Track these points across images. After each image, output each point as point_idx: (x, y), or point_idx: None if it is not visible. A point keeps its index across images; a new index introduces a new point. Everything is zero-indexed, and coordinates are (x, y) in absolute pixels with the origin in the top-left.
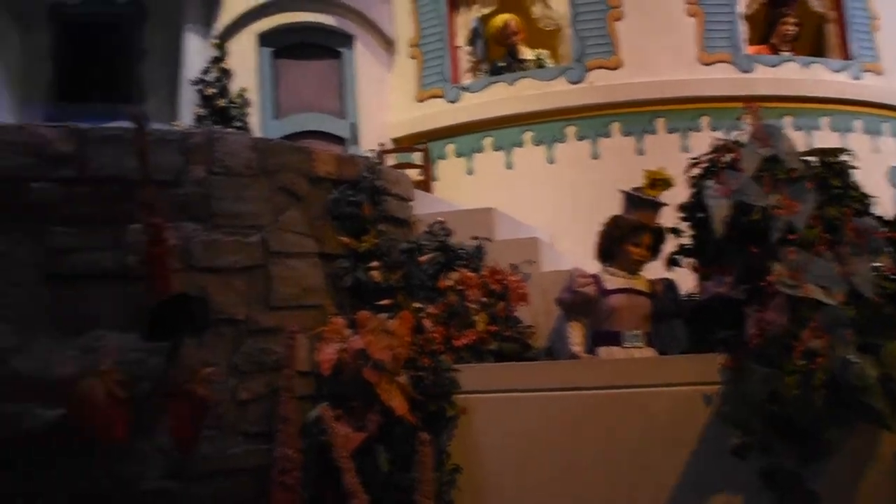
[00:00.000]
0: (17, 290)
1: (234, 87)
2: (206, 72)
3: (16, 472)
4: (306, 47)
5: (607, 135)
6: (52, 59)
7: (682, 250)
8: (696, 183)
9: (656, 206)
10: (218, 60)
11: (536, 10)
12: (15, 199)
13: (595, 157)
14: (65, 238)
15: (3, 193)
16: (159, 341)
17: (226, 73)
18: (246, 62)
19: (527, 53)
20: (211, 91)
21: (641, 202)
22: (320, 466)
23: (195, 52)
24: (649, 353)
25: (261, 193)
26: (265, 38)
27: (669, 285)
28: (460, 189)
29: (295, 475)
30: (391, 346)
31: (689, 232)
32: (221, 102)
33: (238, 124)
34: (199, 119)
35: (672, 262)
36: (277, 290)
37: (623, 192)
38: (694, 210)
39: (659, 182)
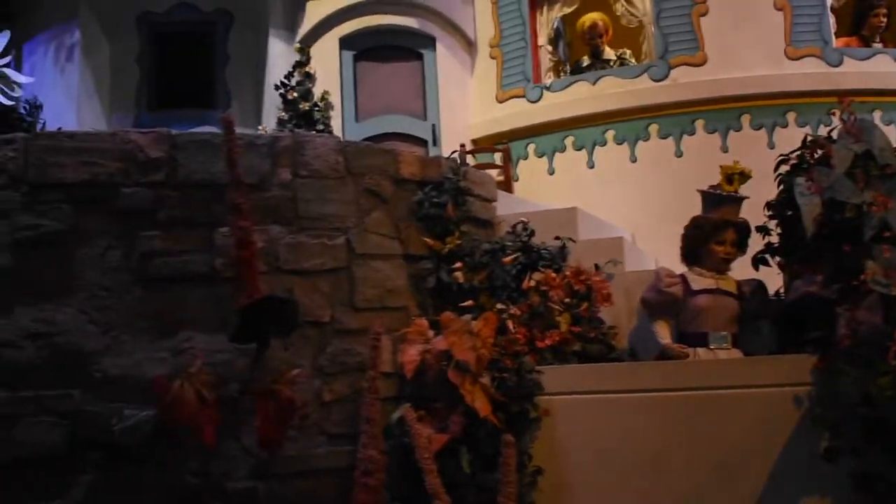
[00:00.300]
0: (109, 293)
1: (317, 90)
2: (289, 76)
3: (109, 470)
4: (387, 49)
5: (691, 132)
6: (140, 66)
7: (770, 249)
8: (786, 180)
9: (736, 200)
10: (301, 64)
11: (619, 8)
12: (108, 204)
13: (679, 155)
14: (155, 242)
15: (96, 198)
16: (247, 343)
17: (309, 77)
18: (328, 65)
19: (610, 53)
20: (294, 95)
21: (720, 199)
22: (403, 468)
23: (279, 57)
24: (736, 354)
25: (346, 195)
26: (347, 42)
27: (758, 286)
28: (542, 189)
29: (378, 476)
30: (474, 348)
31: (778, 230)
32: (305, 106)
33: (321, 127)
34: (282, 123)
35: (760, 262)
36: (361, 292)
37: (700, 191)
38: (783, 208)
39: (735, 176)
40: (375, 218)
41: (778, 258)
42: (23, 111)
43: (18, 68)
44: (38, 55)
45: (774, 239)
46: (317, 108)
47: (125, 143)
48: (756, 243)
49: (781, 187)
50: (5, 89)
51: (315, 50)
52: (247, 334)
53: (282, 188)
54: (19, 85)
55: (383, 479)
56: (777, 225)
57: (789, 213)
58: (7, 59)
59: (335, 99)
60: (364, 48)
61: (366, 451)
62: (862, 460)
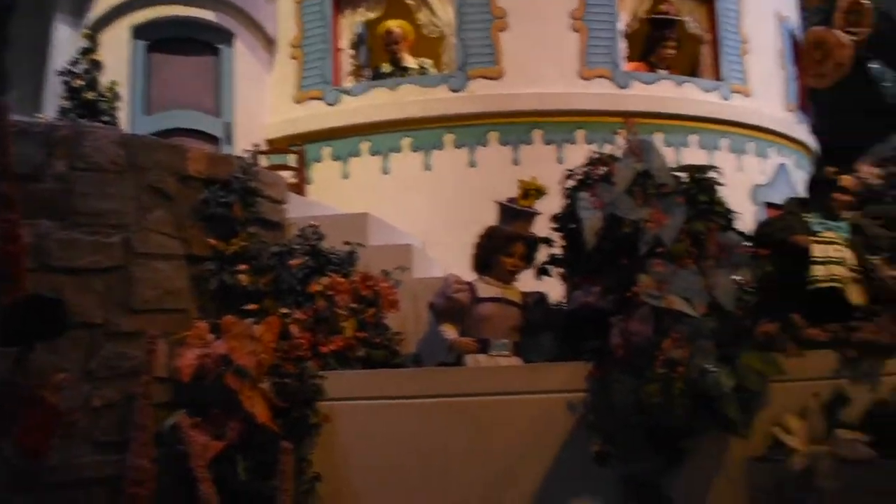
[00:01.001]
0: None
1: (105, 80)
2: (74, 63)
3: None
4: (183, 42)
5: (485, 144)
6: None
7: (554, 260)
8: (570, 194)
9: (529, 216)
10: (88, 52)
11: (422, 17)
12: None
13: (472, 165)
14: None
15: None
16: (9, 346)
17: (96, 66)
18: (118, 55)
19: (410, 61)
20: (79, 83)
21: (515, 213)
22: (177, 477)
23: (65, 43)
24: (515, 362)
25: (126, 191)
26: (139, 31)
27: (541, 298)
28: (335, 193)
29: (148, 486)
30: (255, 352)
31: (561, 242)
32: (90, 95)
33: (106, 119)
34: (65, 112)
35: (542, 272)
36: (139, 293)
37: (498, 202)
38: (566, 221)
39: (532, 192)
40: (157, 216)
41: (560, 269)
42: None
43: None
44: None
45: (558, 250)
46: (103, 99)
47: None
48: (541, 254)
49: (566, 201)
50: None
51: (104, 37)
52: (9, 336)
53: (56, 180)
54: None
55: (154, 489)
56: (561, 237)
57: (572, 226)
58: None
59: (125, 90)
60: (157, 39)
61: (135, 459)
62: (631, 465)
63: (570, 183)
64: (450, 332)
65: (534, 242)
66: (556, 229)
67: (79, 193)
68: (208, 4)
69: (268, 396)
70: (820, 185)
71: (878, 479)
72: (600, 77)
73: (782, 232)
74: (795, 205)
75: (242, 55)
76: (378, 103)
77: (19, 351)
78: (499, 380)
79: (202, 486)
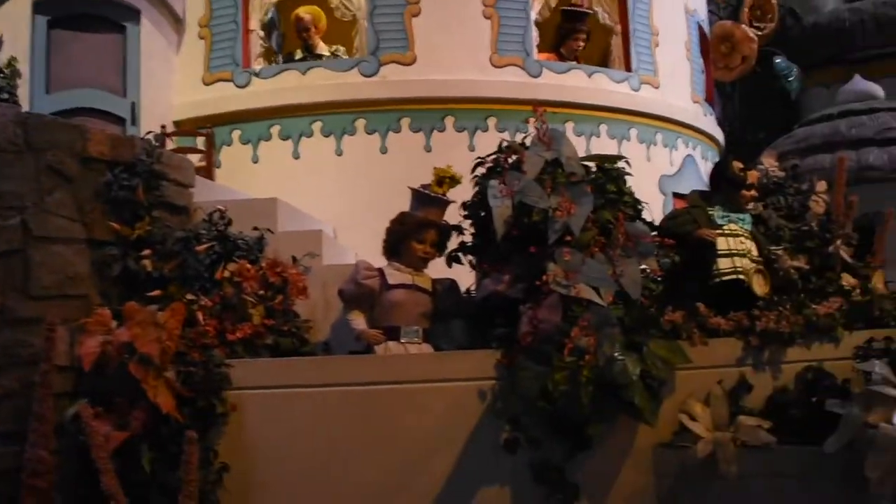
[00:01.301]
0: None
1: (3, 56)
2: None
3: None
4: (87, 19)
5: (397, 130)
6: None
7: (464, 248)
8: (481, 182)
9: (443, 203)
10: None
11: (334, 1)
12: None
13: (384, 151)
14: None
15: None
16: None
17: None
18: (17, 30)
19: (323, 48)
20: None
21: (428, 199)
22: (79, 468)
23: None
24: (426, 349)
25: (24, 172)
26: (40, 6)
27: (451, 285)
28: (245, 177)
29: (48, 478)
30: (160, 340)
31: (472, 230)
32: None
33: (5, 97)
34: None
35: (453, 260)
36: (38, 278)
37: (411, 189)
38: (477, 209)
39: (446, 179)
40: (57, 198)
41: (471, 257)
42: None
43: None
44: None
45: (469, 238)
46: (1, 76)
47: None
48: (452, 241)
49: (477, 189)
50: None
51: (3, 12)
52: None
53: None
54: None
55: (53, 481)
56: (471, 224)
57: (483, 213)
58: None
59: (25, 67)
60: (60, 15)
61: (34, 450)
62: (539, 451)
63: (481, 171)
64: (358, 321)
65: (446, 230)
66: (466, 217)
67: None
68: None
69: (173, 385)
70: (725, 179)
71: (778, 464)
72: (512, 65)
73: (687, 225)
74: (699, 197)
75: (149, 34)
76: (288, 87)
77: None
78: (408, 368)
79: (105, 479)
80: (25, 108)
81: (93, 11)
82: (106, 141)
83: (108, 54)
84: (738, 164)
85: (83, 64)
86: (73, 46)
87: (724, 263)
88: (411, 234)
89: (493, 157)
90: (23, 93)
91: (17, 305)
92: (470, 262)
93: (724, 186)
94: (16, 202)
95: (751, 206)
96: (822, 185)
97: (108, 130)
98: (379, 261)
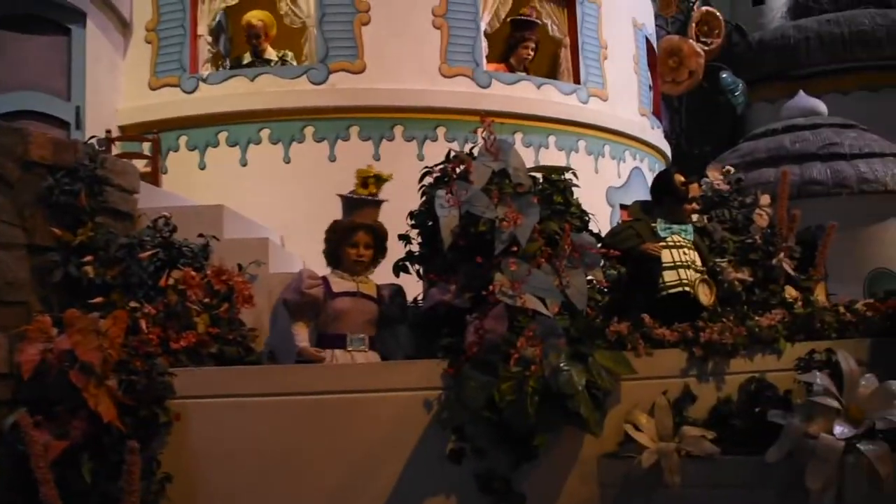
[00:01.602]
0: None
1: None
2: None
3: None
4: (32, 20)
5: (346, 138)
6: None
7: (411, 257)
8: (428, 192)
9: (371, 203)
10: None
11: (283, 7)
12: None
13: (332, 159)
14: None
15: None
16: None
17: None
18: None
19: (272, 54)
20: None
21: (356, 202)
22: (17, 478)
23: None
24: (373, 357)
25: None
26: None
27: (396, 291)
28: (191, 184)
29: None
30: (101, 348)
31: (419, 239)
32: None
33: None
34: None
35: (400, 269)
36: None
37: (340, 195)
38: (424, 218)
39: (370, 180)
40: None
41: (418, 266)
42: None
43: None
44: None
45: (416, 248)
46: None
47: None
48: (399, 251)
49: (424, 198)
50: None
51: None
52: None
53: None
54: None
55: None
56: (419, 234)
57: (430, 223)
58: None
59: None
60: (4, 15)
61: None
62: (485, 461)
63: (428, 180)
64: (300, 334)
65: (377, 231)
66: (413, 226)
67: None
68: None
69: (114, 394)
70: (667, 192)
71: (721, 474)
72: (461, 75)
73: (631, 240)
74: (640, 210)
75: (95, 37)
76: (237, 93)
77: None
78: (354, 378)
79: (44, 489)
80: None
81: (37, 12)
82: (48, 145)
83: (53, 57)
84: (679, 178)
85: (27, 66)
86: (16, 48)
87: (669, 276)
88: (343, 239)
89: (441, 166)
90: None
91: None
92: (417, 272)
93: (665, 199)
94: None
95: (695, 218)
96: (765, 199)
97: (51, 134)
98: (325, 269)
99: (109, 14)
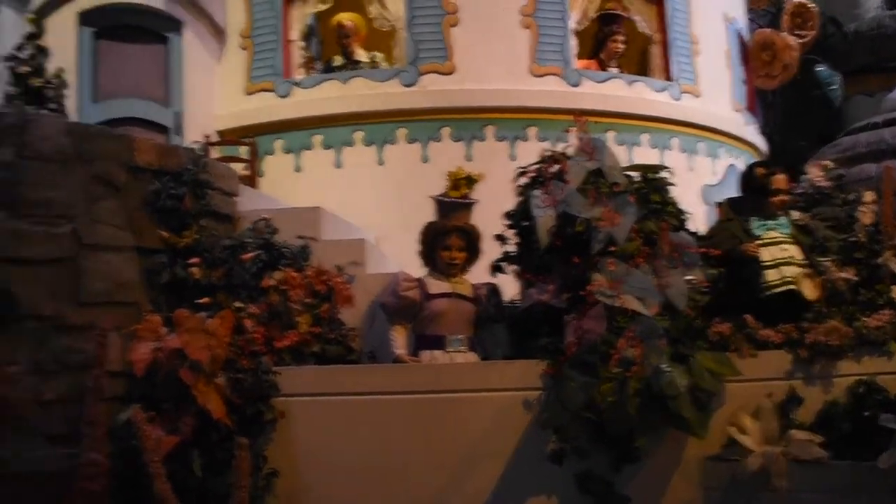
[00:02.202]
0: None
1: (52, 66)
2: (20, 48)
3: None
4: (131, 30)
5: (437, 139)
6: None
7: (507, 257)
8: (523, 192)
9: (464, 206)
10: (34, 37)
11: (373, 10)
12: None
13: (425, 160)
14: None
15: None
16: None
17: (42, 52)
18: (65, 41)
19: (362, 55)
20: (25, 69)
21: (448, 205)
22: (130, 472)
23: (9, 27)
24: (472, 357)
25: (75, 181)
26: (86, 17)
27: (493, 290)
28: (287, 186)
29: (101, 481)
30: (209, 347)
31: (515, 239)
32: (36, 82)
33: (53, 107)
34: (10, 98)
35: (496, 269)
36: (88, 285)
37: (433, 198)
38: (520, 218)
39: (461, 181)
40: (106, 207)
41: (514, 266)
42: None
43: None
44: None
45: (512, 248)
46: (49, 86)
47: None
48: (495, 250)
49: (520, 199)
50: None
51: (51, 23)
52: None
53: (3, 170)
54: None
55: (107, 484)
56: (514, 234)
57: (525, 223)
58: None
59: (72, 77)
60: (105, 26)
61: (88, 454)
62: (585, 462)
63: (523, 180)
64: (398, 340)
65: (470, 233)
66: (509, 226)
67: (25, 183)
68: None
69: (222, 392)
70: (750, 188)
71: (832, 479)
72: (551, 74)
73: (727, 242)
74: (730, 208)
75: (191, 44)
76: (330, 96)
77: None
78: (454, 377)
79: (157, 483)
80: (73, 117)
81: (136, 22)
82: (153, 150)
83: (152, 65)
84: (760, 171)
85: (128, 74)
86: (117, 57)
87: (771, 275)
88: (436, 242)
89: (535, 166)
90: (70, 103)
91: (69, 312)
92: (513, 272)
93: (752, 195)
94: (66, 211)
95: (796, 215)
96: (869, 196)
97: (155, 140)
98: (422, 270)
99: (205, 22)
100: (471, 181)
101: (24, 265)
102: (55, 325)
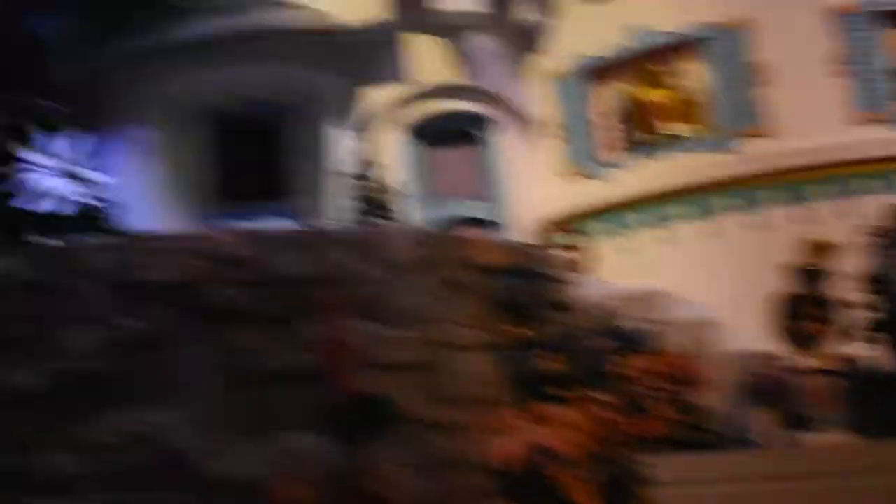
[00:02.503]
0: (201, 392)
1: (383, 177)
2: (356, 164)
3: None
4: (450, 134)
5: (764, 205)
6: (208, 161)
7: (878, 325)
8: (882, 252)
9: (822, 275)
10: (366, 152)
11: (679, 84)
12: (195, 303)
13: (754, 228)
14: (245, 339)
15: (184, 298)
16: (346, 442)
17: (375, 165)
18: (392, 152)
19: (675, 129)
20: (362, 183)
21: (807, 274)
22: None
23: (341, 145)
24: (845, 436)
25: (428, 287)
26: (413, 128)
27: (859, 364)
28: (616, 269)
29: None
30: (575, 439)
31: (876, 304)
32: (377, 195)
33: (392, 215)
34: (352, 211)
35: (871, 339)
36: (449, 384)
37: (789, 266)
38: (883, 281)
39: (819, 249)
40: (457, 308)
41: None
42: (100, 210)
43: (95, 168)
44: (113, 154)
45: (875, 313)
46: (384, 196)
47: (211, 242)
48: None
49: (877, 259)
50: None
51: (379, 137)
52: (345, 433)
53: (369, 283)
54: (97, 184)
55: None
56: (876, 297)
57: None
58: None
59: (401, 184)
60: (427, 133)
61: None
62: None
63: (877, 240)
64: (760, 422)
65: (824, 303)
66: (872, 291)
67: (388, 293)
68: (470, 96)
69: (590, 483)
70: None
71: None
72: (874, 121)
73: None
74: None
75: (506, 140)
76: (648, 174)
77: (352, 447)
78: (832, 459)
79: None
80: (415, 225)
81: (455, 126)
82: (493, 250)
83: (471, 164)
84: None
85: (451, 176)
86: (440, 161)
87: None
88: (796, 313)
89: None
90: (403, 209)
91: (434, 411)
92: (879, 339)
93: None
94: (424, 315)
95: None
96: None
97: (491, 239)
98: (769, 346)
99: (516, 118)
100: (827, 250)
101: (393, 370)
102: (424, 424)
